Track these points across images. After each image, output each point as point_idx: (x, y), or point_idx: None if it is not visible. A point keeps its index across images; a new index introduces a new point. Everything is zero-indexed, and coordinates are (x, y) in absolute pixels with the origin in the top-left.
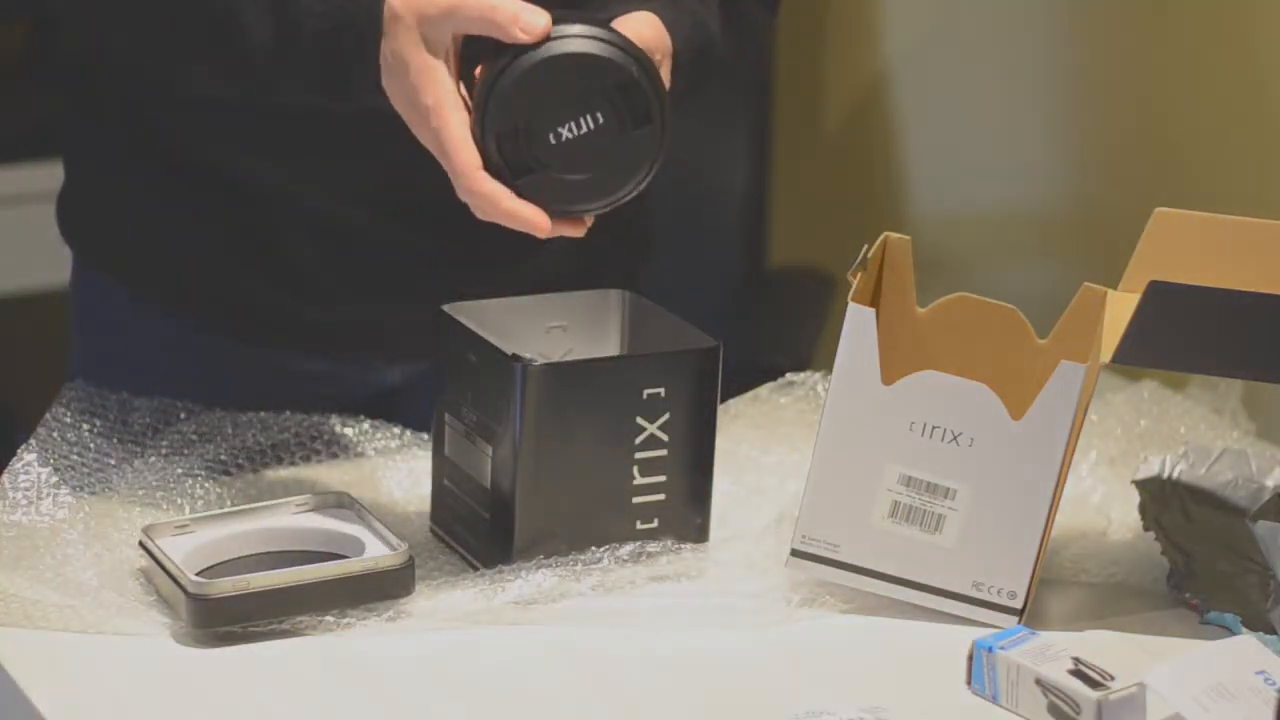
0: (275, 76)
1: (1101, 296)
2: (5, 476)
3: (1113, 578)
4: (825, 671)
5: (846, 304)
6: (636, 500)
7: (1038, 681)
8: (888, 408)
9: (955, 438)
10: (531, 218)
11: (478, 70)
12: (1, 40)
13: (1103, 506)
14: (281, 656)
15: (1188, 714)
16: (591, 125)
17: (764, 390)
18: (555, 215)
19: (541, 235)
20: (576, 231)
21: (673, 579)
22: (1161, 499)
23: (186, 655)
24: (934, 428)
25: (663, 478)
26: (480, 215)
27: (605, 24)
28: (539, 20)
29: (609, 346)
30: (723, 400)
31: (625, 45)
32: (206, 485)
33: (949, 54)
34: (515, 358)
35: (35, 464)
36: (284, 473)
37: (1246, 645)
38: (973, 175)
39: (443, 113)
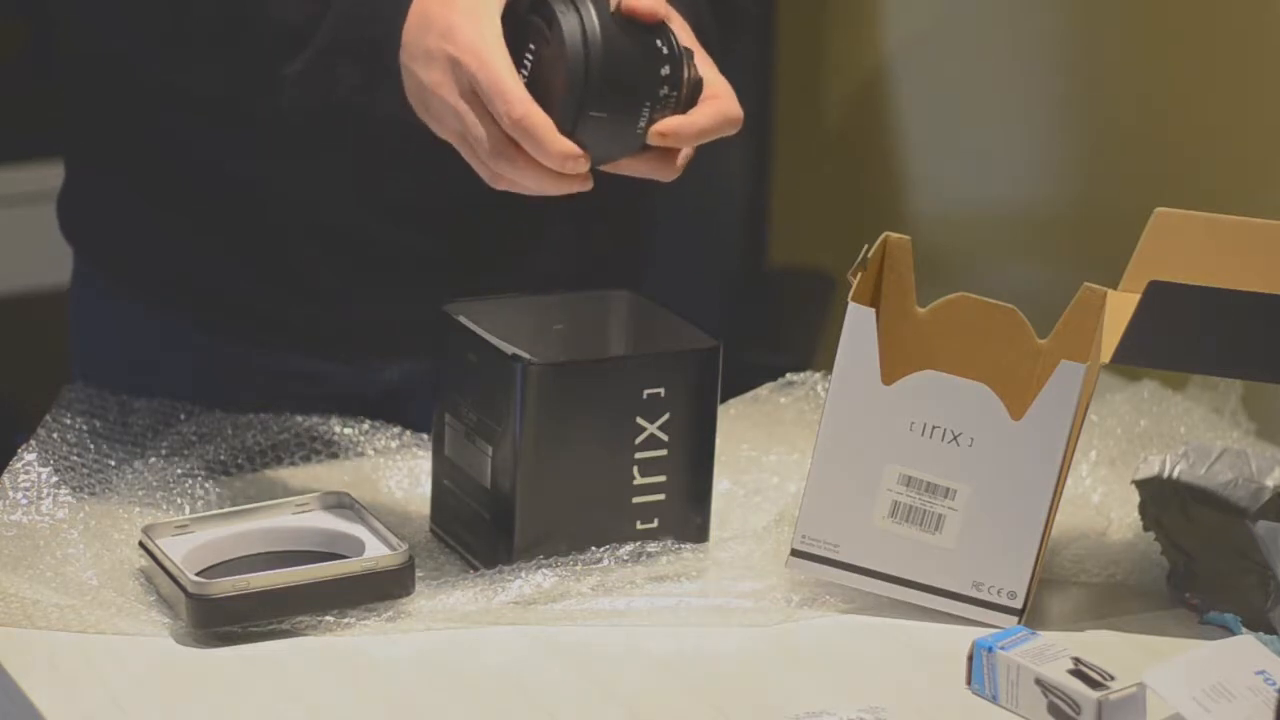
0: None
1: (1101, 296)
2: (5, 476)
3: (1113, 578)
4: (825, 671)
5: (846, 304)
6: (636, 500)
7: (1038, 681)
8: (888, 408)
9: (955, 438)
10: (577, 151)
11: None
12: (2, 40)
13: (1103, 506)
14: (281, 656)
15: (1188, 714)
16: (531, 57)
17: (764, 390)
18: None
19: (578, 174)
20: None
21: (673, 579)
22: (1161, 499)
23: (186, 655)
24: (934, 428)
25: (663, 478)
26: (521, 161)
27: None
28: None
29: (609, 346)
30: (723, 400)
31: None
32: (206, 485)
33: (949, 54)
34: (515, 358)
35: (35, 464)
36: (284, 473)
37: (1246, 645)
38: (973, 175)
39: (491, 48)
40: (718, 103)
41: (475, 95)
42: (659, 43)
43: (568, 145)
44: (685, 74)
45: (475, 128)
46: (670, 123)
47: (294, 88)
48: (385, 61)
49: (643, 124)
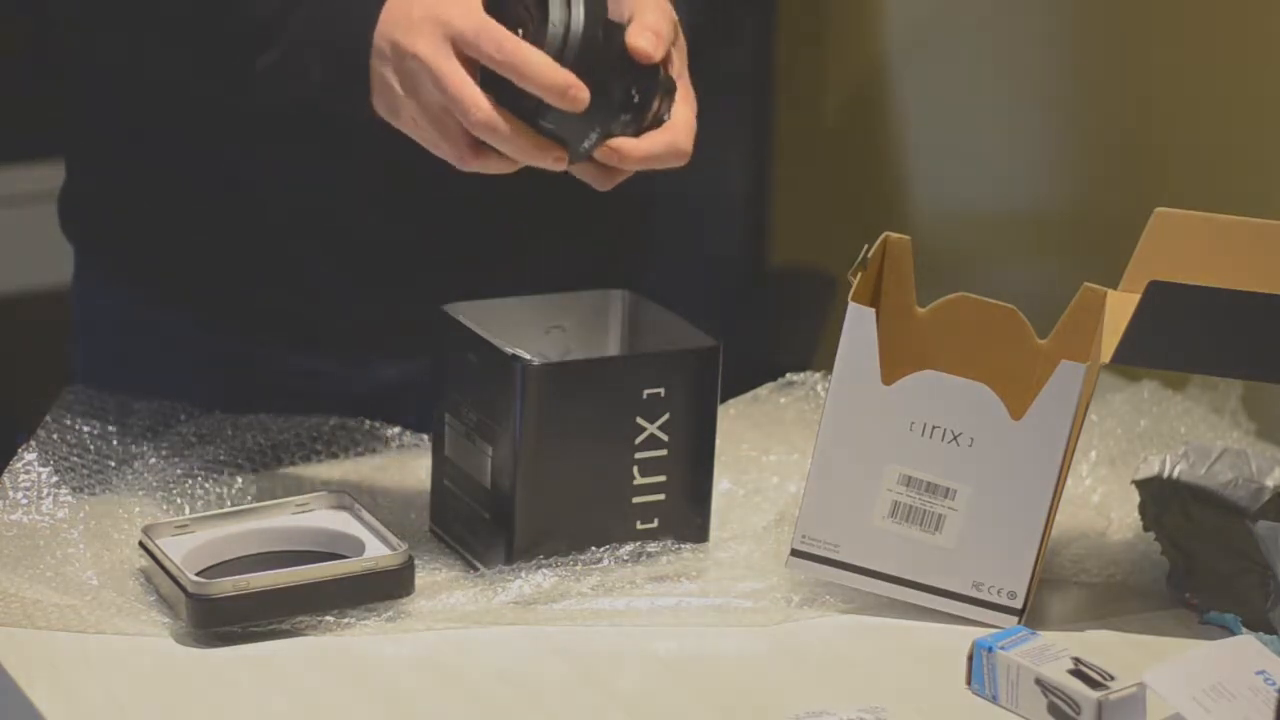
0: (271, 49)
1: (1101, 296)
2: (5, 476)
3: (1113, 578)
4: (825, 671)
5: (846, 304)
6: (636, 500)
7: (1038, 681)
8: (888, 408)
9: (955, 438)
10: (572, 78)
11: None
12: (2, 40)
13: (1103, 506)
14: (281, 656)
15: (1188, 714)
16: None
17: (764, 390)
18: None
19: (557, 167)
20: (559, 163)
21: (673, 579)
22: (1161, 499)
23: (186, 655)
24: (934, 428)
25: (663, 478)
26: (504, 125)
27: None
28: None
29: (609, 346)
30: (723, 400)
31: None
32: (206, 485)
33: (949, 54)
34: (515, 358)
35: (35, 464)
36: (284, 473)
37: (1246, 645)
38: (973, 175)
39: (473, 6)
40: (671, 134)
41: (457, 58)
42: (640, 65)
43: (563, 73)
44: (653, 105)
45: (459, 91)
46: (619, 143)
47: (264, 85)
48: (357, 62)
49: (593, 139)
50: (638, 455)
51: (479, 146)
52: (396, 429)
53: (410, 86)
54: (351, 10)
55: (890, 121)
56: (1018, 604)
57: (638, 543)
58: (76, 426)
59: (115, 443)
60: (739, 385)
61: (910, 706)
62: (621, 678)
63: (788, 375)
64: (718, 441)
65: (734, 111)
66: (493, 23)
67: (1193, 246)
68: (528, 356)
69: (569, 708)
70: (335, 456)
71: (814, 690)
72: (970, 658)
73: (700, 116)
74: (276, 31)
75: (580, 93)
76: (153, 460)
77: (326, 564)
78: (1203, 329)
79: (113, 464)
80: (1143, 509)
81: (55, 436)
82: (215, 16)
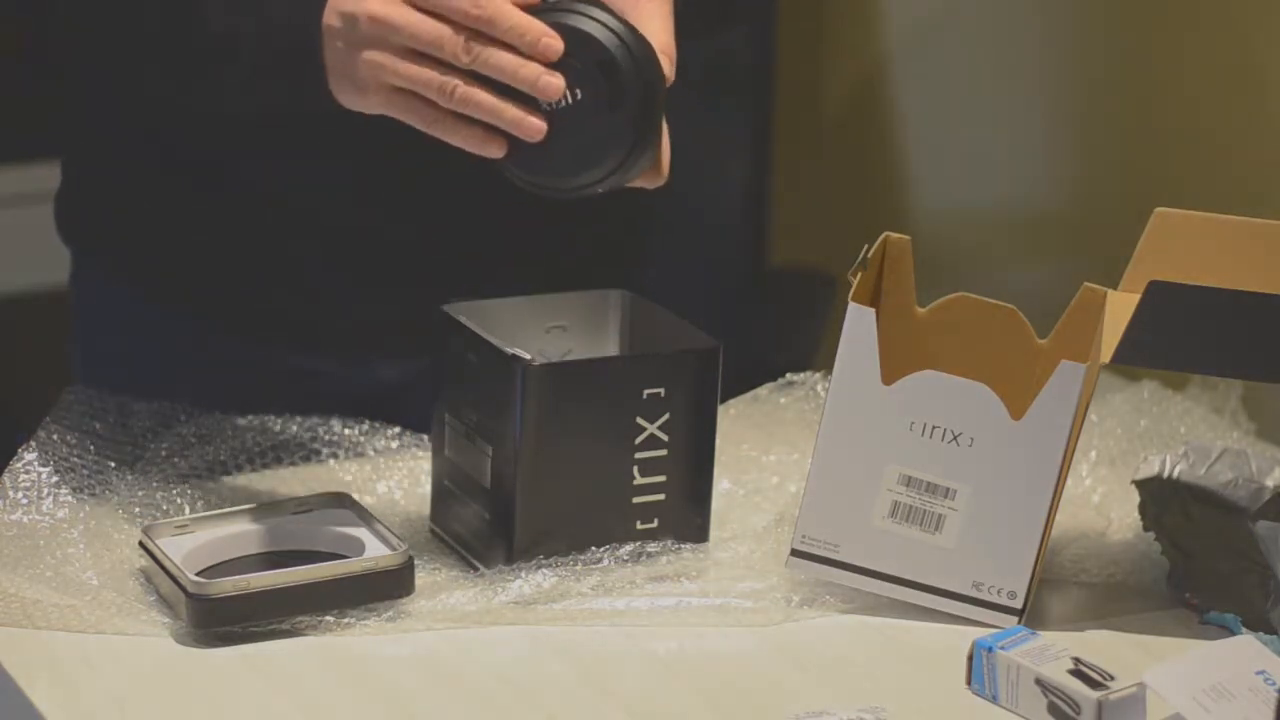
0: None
1: (1101, 296)
2: (5, 476)
3: (1113, 578)
4: (825, 671)
5: (846, 304)
6: (636, 500)
7: (1038, 681)
8: (888, 408)
9: (955, 438)
10: (544, 28)
11: None
12: (2, 40)
13: (1103, 506)
14: (281, 656)
15: (1188, 714)
16: (568, 101)
17: (764, 390)
18: (519, 181)
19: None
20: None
21: (673, 579)
22: (1161, 499)
23: (186, 655)
24: (934, 428)
25: (663, 478)
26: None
27: (610, 10)
28: None
29: (609, 346)
30: (723, 400)
31: (619, 29)
32: (206, 485)
33: (949, 55)
34: (515, 358)
35: (35, 464)
36: (284, 473)
37: (1246, 645)
38: (973, 175)
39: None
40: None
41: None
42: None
43: (536, 22)
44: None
45: (431, 29)
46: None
47: (233, 96)
48: (309, 50)
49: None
50: (638, 455)
51: (465, 97)
52: (396, 429)
53: (369, 57)
54: (311, 21)
55: (890, 121)
56: (1018, 604)
57: (638, 543)
58: (76, 428)
59: (115, 443)
60: (739, 385)
61: (910, 706)
62: (621, 678)
63: (788, 375)
64: (718, 441)
65: (734, 111)
66: None
67: (1193, 246)
68: (528, 356)
69: (569, 708)
70: (335, 456)
71: (814, 690)
72: (970, 658)
73: (700, 116)
74: (237, 44)
75: (553, 41)
76: (153, 461)
77: (326, 564)
78: (1203, 329)
79: (113, 464)
80: (1143, 509)
81: (55, 436)
82: (171, 31)
